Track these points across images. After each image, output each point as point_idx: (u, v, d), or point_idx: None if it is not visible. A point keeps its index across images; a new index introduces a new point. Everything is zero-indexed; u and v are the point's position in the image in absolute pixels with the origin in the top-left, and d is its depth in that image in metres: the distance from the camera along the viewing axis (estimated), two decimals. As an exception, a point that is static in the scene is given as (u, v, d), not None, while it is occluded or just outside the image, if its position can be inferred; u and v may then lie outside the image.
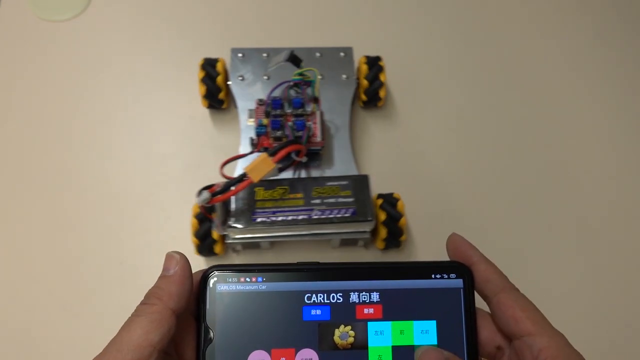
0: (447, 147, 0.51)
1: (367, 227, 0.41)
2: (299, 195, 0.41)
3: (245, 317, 0.28)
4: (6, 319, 0.43)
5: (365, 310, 0.28)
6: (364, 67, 0.48)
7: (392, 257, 0.46)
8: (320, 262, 0.29)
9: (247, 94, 0.47)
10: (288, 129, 0.42)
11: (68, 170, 0.49)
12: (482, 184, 0.50)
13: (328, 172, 0.44)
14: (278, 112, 0.43)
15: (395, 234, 0.43)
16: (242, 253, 0.46)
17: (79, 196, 0.48)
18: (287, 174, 0.43)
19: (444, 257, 0.46)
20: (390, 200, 0.44)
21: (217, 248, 0.43)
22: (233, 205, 0.40)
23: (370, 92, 0.49)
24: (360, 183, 0.41)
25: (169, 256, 0.28)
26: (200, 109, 0.51)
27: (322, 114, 0.43)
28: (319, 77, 0.43)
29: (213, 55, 0.49)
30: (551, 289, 0.46)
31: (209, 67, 0.48)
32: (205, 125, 0.51)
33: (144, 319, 0.25)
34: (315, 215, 0.40)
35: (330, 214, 0.40)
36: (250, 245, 0.45)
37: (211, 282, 0.28)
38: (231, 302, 0.28)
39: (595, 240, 0.48)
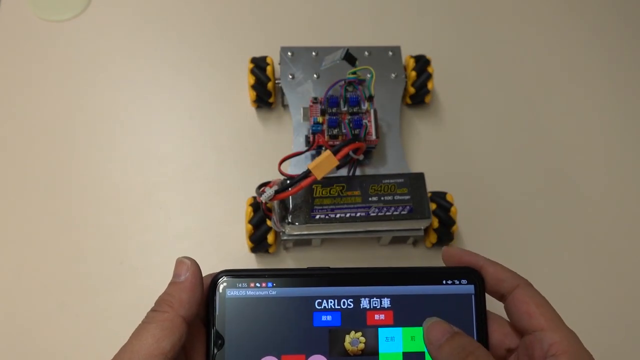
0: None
1: (423, 224, 0.42)
2: (356, 192, 0.41)
3: (255, 323, 0.27)
4: (6, 319, 0.43)
5: (376, 316, 0.28)
6: (412, 74, 0.49)
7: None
8: (331, 267, 0.29)
9: (298, 93, 0.47)
10: (345, 127, 0.42)
11: (68, 170, 0.48)
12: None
13: (381, 170, 0.45)
14: (334, 110, 0.43)
15: (445, 239, 0.44)
16: (292, 250, 0.46)
17: (79, 196, 0.47)
18: (341, 172, 0.43)
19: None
20: (444, 205, 0.44)
21: (272, 249, 0.44)
22: (291, 203, 0.41)
23: (417, 98, 0.50)
24: (416, 181, 0.42)
25: (180, 262, 0.27)
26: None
27: (376, 113, 0.43)
28: (374, 75, 0.43)
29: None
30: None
31: (259, 70, 0.48)
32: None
33: (155, 326, 0.25)
34: (373, 212, 0.41)
35: (387, 211, 0.41)
36: (302, 243, 0.45)
37: (221, 287, 0.28)
38: (241, 307, 0.28)
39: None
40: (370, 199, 0.41)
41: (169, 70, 0.53)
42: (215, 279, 0.28)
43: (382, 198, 0.41)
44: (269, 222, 0.42)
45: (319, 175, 0.38)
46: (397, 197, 0.41)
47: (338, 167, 0.42)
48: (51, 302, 0.44)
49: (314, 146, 0.43)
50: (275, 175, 0.41)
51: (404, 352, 0.28)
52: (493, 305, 0.29)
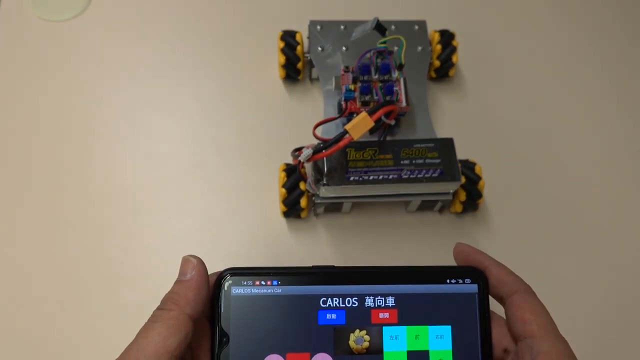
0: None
1: (454, 187, 0.43)
2: (389, 156, 0.42)
3: (260, 321, 0.28)
4: (6, 319, 0.43)
5: (381, 315, 0.28)
6: (437, 47, 0.50)
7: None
8: (336, 265, 0.29)
9: (327, 64, 0.49)
10: (378, 93, 0.44)
11: (68, 170, 0.48)
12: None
13: (411, 137, 0.46)
14: (366, 77, 0.45)
15: (473, 197, 0.45)
16: (322, 217, 0.48)
17: (79, 196, 0.47)
18: (373, 138, 0.45)
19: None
20: (468, 165, 0.45)
21: (304, 213, 0.45)
22: (326, 166, 0.42)
23: (441, 71, 0.51)
24: (445, 145, 0.43)
25: (185, 260, 0.28)
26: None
27: (405, 81, 0.45)
28: (405, 44, 0.44)
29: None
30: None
31: (289, 37, 0.49)
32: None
33: (161, 324, 0.25)
34: (405, 175, 0.42)
35: (419, 174, 0.42)
36: (332, 209, 0.47)
37: (226, 285, 0.28)
38: (246, 305, 0.28)
39: None
40: (402, 162, 0.42)
41: (170, 70, 0.53)
42: (220, 277, 0.28)
43: (414, 161, 0.42)
44: (302, 186, 0.44)
45: (355, 135, 0.39)
46: (427, 161, 0.42)
47: (371, 132, 0.43)
48: (51, 301, 0.44)
49: (346, 112, 0.44)
50: (306, 141, 0.42)
51: (408, 350, 0.28)
52: (493, 305, 0.30)
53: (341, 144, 0.39)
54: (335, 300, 0.28)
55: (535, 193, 0.50)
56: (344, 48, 0.49)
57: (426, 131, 0.47)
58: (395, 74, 0.45)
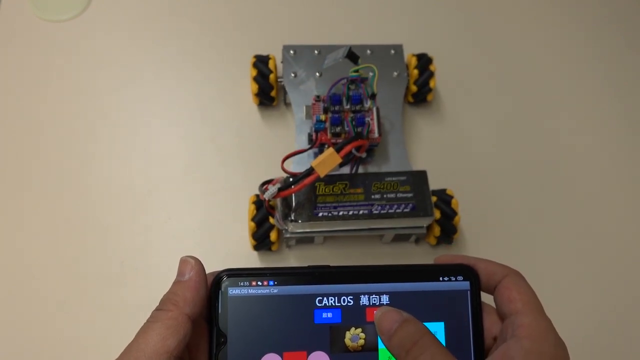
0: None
1: (426, 222, 0.42)
2: (359, 190, 0.41)
3: (257, 321, 0.28)
4: (6, 319, 0.43)
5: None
6: (415, 72, 0.49)
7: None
8: (331, 265, 0.29)
9: (300, 91, 0.48)
10: (348, 125, 0.42)
11: (68, 170, 0.48)
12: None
13: (384, 168, 0.45)
14: (337, 108, 0.44)
15: (448, 232, 0.44)
16: (294, 248, 0.46)
17: (79, 196, 0.47)
18: (344, 170, 0.44)
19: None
20: (444, 198, 0.44)
21: (274, 246, 0.44)
22: (294, 201, 0.41)
23: (419, 96, 0.50)
24: (418, 179, 0.42)
25: (184, 261, 0.28)
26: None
27: (378, 111, 0.43)
28: (377, 73, 0.43)
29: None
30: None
31: (261, 64, 0.48)
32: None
33: (160, 325, 0.25)
34: (376, 210, 0.41)
35: (390, 209, 0.41)
36: (305, 240, 0.46)
37: (223, 286, 0.28)
38: (243, 305, 0.28)
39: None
40: (373, 196, 0.41)
41: (170, 70, 0.53)
42: (217, 278, 0.28)
43: (385, 196, 0.41)
44: (271, 220, 0.43)
45: (322, 172, 0.38)
46: (399, 195, 0.41)
47: (341, 165, 0.42)
48: (51, 302, 0.44)
49: (316, 144, 0.43)
50: (278, 173, 0.41)
51: None
52: (484, 297, 0.30)
53: (307, 181, 0.38)
54: (331, 299, 0.28)
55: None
56: (317, 74, 0.48)
57: (400, 161, 0.45)
58: (368, 104, 0.44)
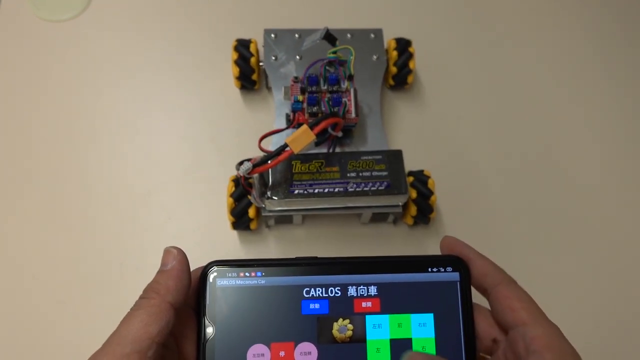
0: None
1: (401, 200, 0.42)
2: (335, 168, 0.42)
3: (244, 312, 0.28)
4: (6, 319, 0.43)
5: (363, 304, 0.29)
6: (394, 54, 0.49)
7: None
8: (319, 256, 0.30)
9: (281, 74, 0.48)
10: (325, 105, 0.43)
11: (68, 170, 0.48)
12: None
13: (362, 149, 0.45)
14: (314, 88, 0.44)
15: (424, 211, 0.44)
16: (274, 229, 0.47)
17: (79, 196, 0.47)
18: (322, 149, 0.44)
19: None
20: (421, 178, 0.45)
21: (253, 224, 0.44)
22: (270, 179, 0.41)
23: (399, 78, 0.51)
24: (394, 157, 0.42)
25: (167, 251, 0.28)
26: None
27: (355, 92, 0.44)
28: (354, 55, 0.44)
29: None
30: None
31: (243, 48, 0.49)
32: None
33: (143, 312, 0.26)
34: (351, 187, 0.41)
35: (365, 186, 0.41)
36: (283, 220, 0.46)
37: (211, 277, 0.28)
38: (231, 296, 0.28)
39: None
40: (348, 174, 0.42)
41: (170, 69, 0.54)
42: (205, 269, 0.29)
43: (360, 174, 0.42)
44: (249, 197, 0.43)
45: (295, 149, 0.39)
46: (375, 173, 0.42)
47: (317, 144, 0.42)
48: (51, 302, 0.44)
49: (294, 124, 0.43)
50: (259, 155, 0.41)
51: (391, 338, 0.28)
52: (479, 297, 0.30)
53: (281, 157, 0.39)
54: (319, 290, 0.28)
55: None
56: (297, 57, 0.48)
57: (379, 143, 0.46)
58: (345, 85, 0.44)
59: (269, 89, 0.52)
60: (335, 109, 0.43)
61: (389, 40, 0.51)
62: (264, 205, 0.42)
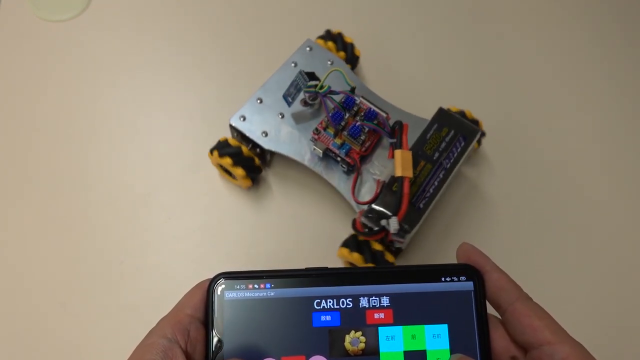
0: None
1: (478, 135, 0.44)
2: (422, 163, 0.42)
3: (254, 325, 0.27)
4: (6, 319, 0.43)
5: (376, 315, 0.28)
6: (341, 54, 0.50)
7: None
8: (329, 267, 0.29)
9: (286, 143, 0.45)
10: (366, 126, 0.42)
11: (68, 170, 0.48)
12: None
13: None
14: (343, 123, 0.43)
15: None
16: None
17: (79, 196, 0.47)
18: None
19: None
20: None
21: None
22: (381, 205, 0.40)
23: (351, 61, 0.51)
24: (443, 117, 0.44)
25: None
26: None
27: (364, 97, 0.44)
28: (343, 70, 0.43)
29: None
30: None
31: (224, 149, 0.45)
32: None
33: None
34: (446, 164, 0.42)
35: (454, 151, 0.43)
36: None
37: (219, 289, 0.27)
38: (239, 309, 0.27)
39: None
40: (434, 157, 0.42)
41: (170, 69, 0.53)
42: (213, 281, 0.28)
43: (439, 148, 0.43)
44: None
45: (410, 173, 0.38)
46: (447, 139, 0.43)
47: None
48: (51, 302, 0.43)
49: (359, 163, 0.42)
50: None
51: (405, 350, 0.27)
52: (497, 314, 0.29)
53: (406, 189, 0.38)
54: (330, 302, 0.27)
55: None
56: (279, 116, 0.46)
57: (399, 114, 0.46)
58: (358, 100, 0.44)
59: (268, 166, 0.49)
60: (375, 121, 0.43)
61: (328, 44, 0.50)
62: (403, 240, 0.41)
